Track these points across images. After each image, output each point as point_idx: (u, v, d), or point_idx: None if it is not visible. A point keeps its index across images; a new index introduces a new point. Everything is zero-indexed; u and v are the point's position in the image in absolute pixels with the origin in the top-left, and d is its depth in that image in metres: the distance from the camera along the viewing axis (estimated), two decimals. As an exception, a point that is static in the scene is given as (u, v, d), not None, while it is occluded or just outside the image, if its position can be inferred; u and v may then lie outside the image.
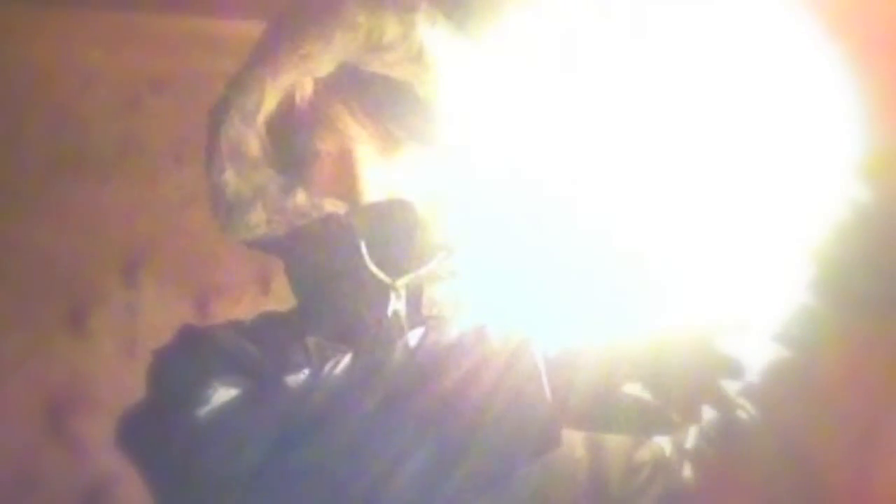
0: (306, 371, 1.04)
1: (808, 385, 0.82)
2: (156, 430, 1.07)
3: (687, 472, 0.98)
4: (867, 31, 0.78)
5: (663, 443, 1.01)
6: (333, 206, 1.11)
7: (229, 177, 1.11)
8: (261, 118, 1.10)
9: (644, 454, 1.01)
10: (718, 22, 0.92)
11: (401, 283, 1.11)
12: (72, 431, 2.39)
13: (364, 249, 1.10)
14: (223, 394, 1.04)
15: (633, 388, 0.97)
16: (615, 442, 1.02)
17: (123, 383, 2.20)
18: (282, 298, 1.22)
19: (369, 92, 1.10)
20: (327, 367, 1.01)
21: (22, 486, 2.36)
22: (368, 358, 1.01)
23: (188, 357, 1.11)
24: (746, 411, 0.93)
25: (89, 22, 2.25)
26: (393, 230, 1.10)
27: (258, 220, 1.12)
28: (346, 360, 1.02)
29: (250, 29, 1.17)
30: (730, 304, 0.90)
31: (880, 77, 0.78)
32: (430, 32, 1.08)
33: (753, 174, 0.90)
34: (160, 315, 2.39)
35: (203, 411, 1.02)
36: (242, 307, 2.30)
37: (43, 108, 2.39)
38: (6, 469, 2.35)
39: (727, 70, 0.91)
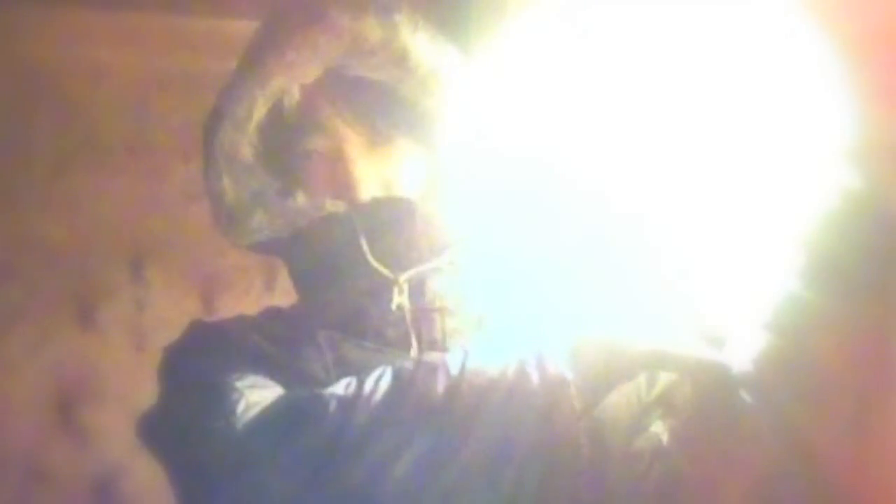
0: (346, 384, 1.03)
1: (800, 371, 0.81)
2: (183, 435, 1.07)
3: (685, 458, 0.97)
4: (859, 18, 0.77)
5: (660, 431, 1.01)
6: (334, 205, 1.13)
7: (227, 184, 1.13)
8: (252, 125, 1.12)
9: (642, 442, 1.00)
10: (709, 12, 0.92)
11: (403, 277, 1.12)
12: (81, 423, 2.40)
13: (365, 246, 1.11)
14: (251, 398, 1.05)
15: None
16: (615, 430, 1.02)
17: (132, 376, 2.24)
18: (287, 292, 1.23)
19: (355, 94, 1.12)
20: (367, 388, 1.02)
21: (32, 476, 2.36)
22: (411, 383, 1.02)
23: (201, 354, 1.12)
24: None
25: (99, 21, 2.25)
26: (393, 226, 1.12)
27: (260, 224, 1.15)
28: (387, 380, 1.02)
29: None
30: (721, 292, 0.91)
31: (870, 63, 0.77)
32: (412, 36, 1.09)
33: (742, 162, 0.90)
34: (167, 309, 2.40)
35: (241, 424, 1.03)
36: (248, 301, 2.31)
37: (53, 106, 2.39)
38: (17, 460, 2.36)
39: (717, 58, 0.90)
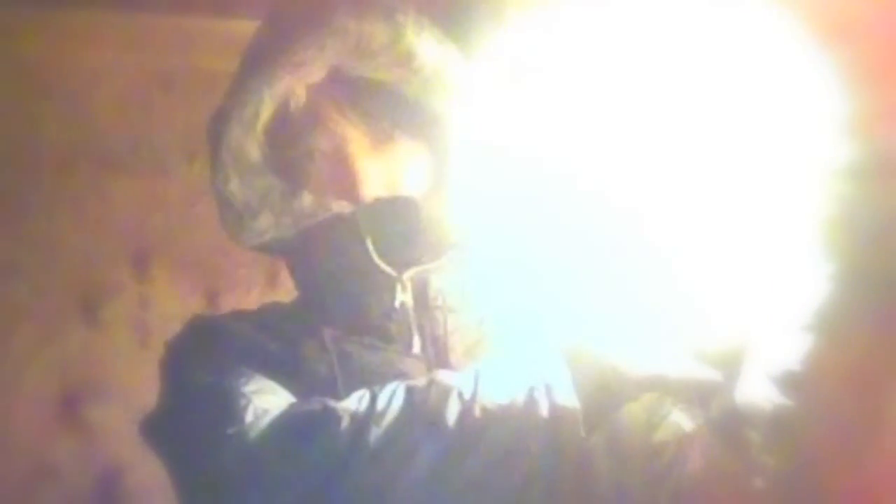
0: (359, 397, 1.03)
1: (847, 370, 0.79)
2: (189, 440, 1.07)
3: (714, 447, 0.91)
4: (861, 25, 0.77)
5: (679, 420, 0.97)
6: (339, 206, 1.13)
7: (235, 186, 1.12)
8: (259, 126, 1.11)
9: (663, 434, 0.97)
10: (710, 14, 0.91)
11: (407, 275, 1.13)
12: (86, 419, 2.40)
13: (370, 246, 1.12)
14: (259, 405, 1.04)
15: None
16: (631, 427, 0.99)
17: (136, 372, 2.24)
18: (290, 290, 1.24)
19: (360, 93, 1.11)
20: (380, 405, 1.01)
21: (37, 472, 2.36)
22: (423, 403, 1.01)
23: (204, 352, 1.12)
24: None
25: (101, 22, 2.25)
26: (397, 225, 1.12)
27: (266, 225, 1.14)
28: (400, 399, 1.02)
29: (259, 29, 1.20)
30: (742, 299, 0.88)
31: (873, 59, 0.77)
32: (418, 38, 1.09)
33: (755, 165, 0.88)
34: (171, 306, 2.40)
35: (251, 434, 1.02)
36: (252, 298, 2.31)
37: (56, 107, 2.39)
38: (22, 456, 2.36)
39: (727, 57, 0.89)
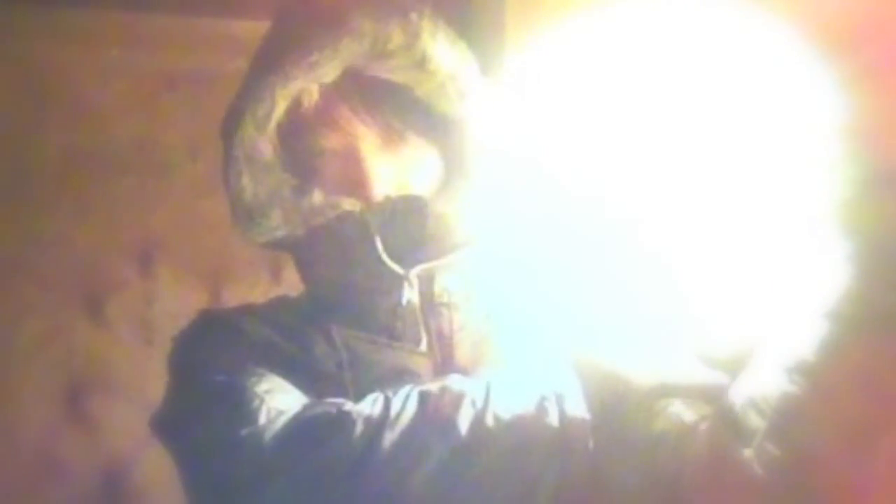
0: (373, 400, 1.03)
1: (861, 362, 0.79)
2: (200, 438, 1.06)
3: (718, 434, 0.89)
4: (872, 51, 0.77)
5: (680, 411, 0.96)
6: (349, 204, 1.13)
7: (246, 182, 1.12)
8: (272, 124, 1.11)
9: (663, 423, 0.96)
10: (714, 24, 0.91)
11: (413, 273, 1.14)
12: (90, 414, 2.41)
13: (379, 244, 1.12)
14: (272, 405, 1.04)
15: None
16: (632, 415, 0.98)
17: (141, 369, 2.27)
18: (293, 286, 1.25)
19: (372, 93, 1.11)
20: (394, 410, 1.01)
21: (43, 466, 2.37)
22: (437, 411, 1.01)
23: (213, 347, 1.12)
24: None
25: (107, 22, 2.26)
26: (405, 223, 1.12)
27: (277, 222, 1.14)
28: (413, 404, 1.01)
29: (263, 29, 1.18)
30: (758, 294, 0.88)
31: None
32: (433, 41, 1.10)
33: (767, 177, 0.88)
34: (175, 303, 2.41)
35: (266, 436, 1.01)
36: (255, 294, 2.31)
37: (63, 106, 2.40)
38: (28, 450, 2.37)
39: (735, 67, 0.89)
